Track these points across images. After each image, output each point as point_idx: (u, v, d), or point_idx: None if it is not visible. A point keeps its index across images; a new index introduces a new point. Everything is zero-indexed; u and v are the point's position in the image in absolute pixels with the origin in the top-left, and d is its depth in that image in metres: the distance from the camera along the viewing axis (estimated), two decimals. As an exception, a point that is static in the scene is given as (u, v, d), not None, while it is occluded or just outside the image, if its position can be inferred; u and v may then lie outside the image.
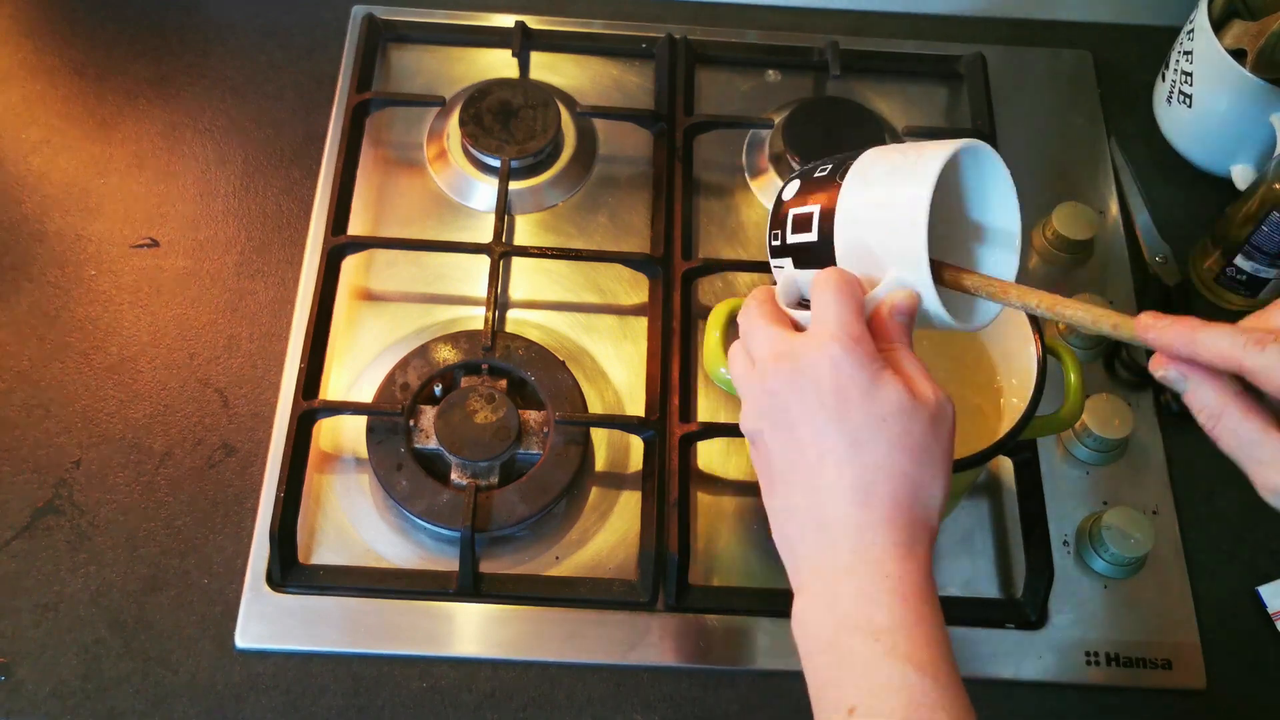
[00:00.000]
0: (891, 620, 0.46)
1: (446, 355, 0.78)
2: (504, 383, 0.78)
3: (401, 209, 0.87)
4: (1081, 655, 0.72)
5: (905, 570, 0.47)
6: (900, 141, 0.90)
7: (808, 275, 0.56)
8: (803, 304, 0.57)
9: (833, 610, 0.48)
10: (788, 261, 0.57)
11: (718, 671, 0.71)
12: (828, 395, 0.49)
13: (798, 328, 0.53)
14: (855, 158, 0.55)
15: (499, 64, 0.95)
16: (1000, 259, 0.57)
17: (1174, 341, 0.47)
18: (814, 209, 0.55)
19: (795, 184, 0.57)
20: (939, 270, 0.54)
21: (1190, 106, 0.89)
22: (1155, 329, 0.47)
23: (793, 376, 0.50)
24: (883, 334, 0.51)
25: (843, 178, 0.55)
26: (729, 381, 0.63)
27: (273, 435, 0.77)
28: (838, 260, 0.54)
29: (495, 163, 0.87)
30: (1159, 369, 0.48)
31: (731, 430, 0.76)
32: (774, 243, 0.57)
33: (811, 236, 0.55)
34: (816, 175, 0.57)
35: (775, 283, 0.57)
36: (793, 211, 0.56)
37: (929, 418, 0.49)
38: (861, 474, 0.48)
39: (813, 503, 0.50)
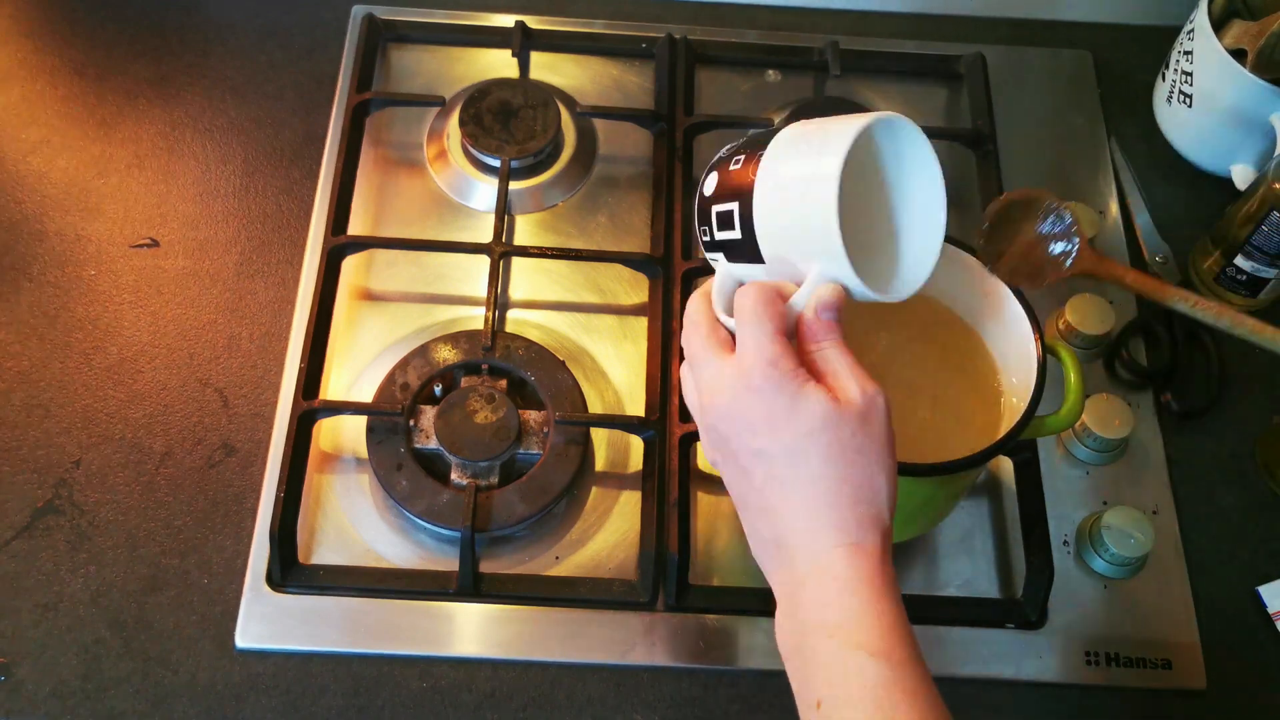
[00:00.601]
0: (842, 616, 0.49)
1: (446, 355, 0.78)
2: (504, 383, 0.78)
3: (401, 209, 0.87)
4: (1081, 655, 0.72)
5: (853, 568, 0.50)
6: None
7: (743, 270, 0.55)
8: None
9: (795, 618, 0.51)
10: (721, 256, 0.56)
11: (718, 671, 0.71)
12: (758, 423, 0.51)
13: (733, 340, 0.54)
14: (767, 143, 0.54)
15: (499, 64, 0.95)
16: (925, 239, 0.56)
17: None
18: (733, 207, 0.54)
19: (714, 178, 0.56)
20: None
21: (1190, 106, 0.89)
22: None
23: (727, 410, 0.52)
24: (810, 335, 0.52)
25: (756, 171, 0.53)
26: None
27: (273, 435, 0.77)
28: (764, 257, 0.54)
29: (495, 163, 0.87)
30: None
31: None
32: (704, 239, 0.56)
33: (735, 234, 0.54)
34: (733, 167, 0.55)
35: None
36: (715, 209, 0.55)
37: (857, 418, 0.50)
38: (802, 490, 0.51)
39: (767, 524, 0.52)
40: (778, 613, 0.53)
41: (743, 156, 0.55)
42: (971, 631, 0.72)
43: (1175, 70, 0.90)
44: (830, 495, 0.50)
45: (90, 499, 0.75)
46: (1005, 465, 0.78)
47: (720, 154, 0.57)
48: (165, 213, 0.86)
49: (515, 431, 0.75)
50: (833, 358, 0.52)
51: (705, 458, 0.56)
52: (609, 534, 0.75)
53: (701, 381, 0.54)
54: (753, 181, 0.53)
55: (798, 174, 0.52)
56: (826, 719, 0.48)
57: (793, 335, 0.53)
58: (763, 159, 0.53)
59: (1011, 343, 0.66)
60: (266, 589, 0.72)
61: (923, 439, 0.64)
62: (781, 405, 0.50)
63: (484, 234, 0.84)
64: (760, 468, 0.52)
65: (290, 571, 0.72)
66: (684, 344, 0.56)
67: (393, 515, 0.75)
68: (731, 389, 0.52)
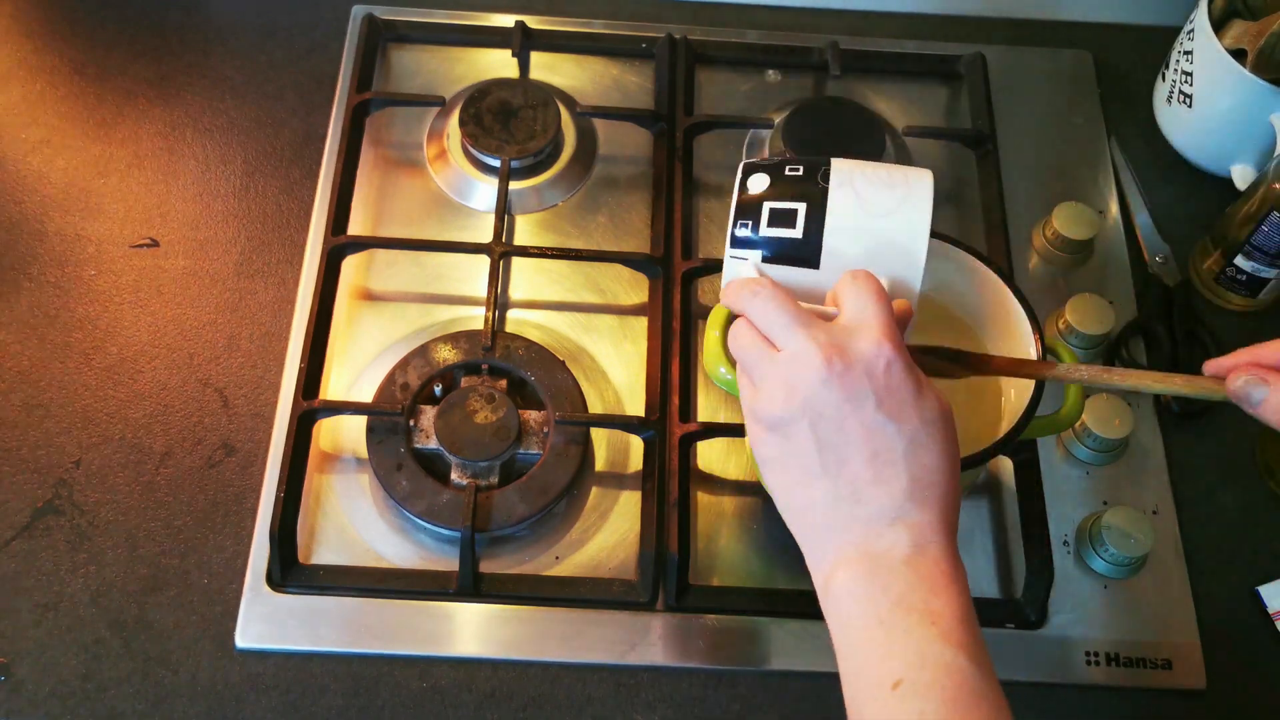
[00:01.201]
0: (947, 609, 0.48)
1: (446, 355, 0.78)
2: (504, 383, 0.78)
3: (401, 209, 0.87)
4: (1081, 655, 0.72)
5: (958, 569, 0.50)
6: (900, 142, 0.90)
7: (781, 272, 0.57)
8: None
9: (888, 591, 0.49)
10: (754, 254, 0.57)
11: (718, 671, 0.71)
12: (883, 395, 0.50)
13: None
14: (827, 164, 0.57)
15: (499, 64, 0.95)
16: (904, 275, 0.58)
17: (1239, 358, 0.54)
18: (798, 206, 0.56)
19: (763, 178, 0.58)
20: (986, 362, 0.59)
21: (1190, 106, 0.89)
22: (1219, 361, 0.55)
23: (846, 371, 0.50)
24: None
25: (825, 181, 0.56)
26: (729, 382, 0.63)
27: (273, 435, 0.77)
28: (821, 262, 0.56)
29: (495, 163, 0.87)
30: (1235, 381, 0.53)
31: (732, 430, 0.76)
32: (740, 233, 0.57)
33: (795, 233, 0.56)
34: (789, 173, 0.57)
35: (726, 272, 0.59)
36: (770, 205, 0.57)
37: (953, 425, 0.52)
38: (919, 475, 0.50)
39: (865, 495, 0.51)
40: (849, 577, 0.50)
41: (801, 167, 0.57)
42: (971, 631, 0.72)
43: (1175, 70, 0.90)
44: (941, 488, 0.51)
45: (90, 499, 0.75)
46: (1005, 465, 0.78)
47: (753, 161, 0.59)
48: (165, 213, 0.86)
49: (515, 431, 0.75)
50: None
51: (770, 413, 0.52)
52: (609, 534, 0.75)
53: (810, 334, 0.52)
54: (826, 188, 0.56)
55: (888, 194, 0.56)
56: (903, 700, 0.47)
57: None
58: (832, 172, 0.57)
59: (1011, 343, 0.66)
60: (266, 589, 0.72)
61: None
62: (909, 390, 0.51)
63: (484, 234, 0.84)
64: (874, 439, 0.50)
65: (290, 571, 0.72)
66: (754, 305, 0.54)
67: (393, 515, 0.75)
68: (861, 353, 0.50)
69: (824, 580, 0.52)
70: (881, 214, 0.55)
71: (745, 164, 0.59)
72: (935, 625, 0.48)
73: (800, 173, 0.57)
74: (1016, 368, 0.61)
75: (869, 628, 0.49)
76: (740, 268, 0.57)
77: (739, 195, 0.58)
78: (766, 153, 0.90)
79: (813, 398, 0.51)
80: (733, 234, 0.57)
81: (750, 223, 0.57)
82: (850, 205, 0.56)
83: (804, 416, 0.51)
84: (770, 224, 0.56)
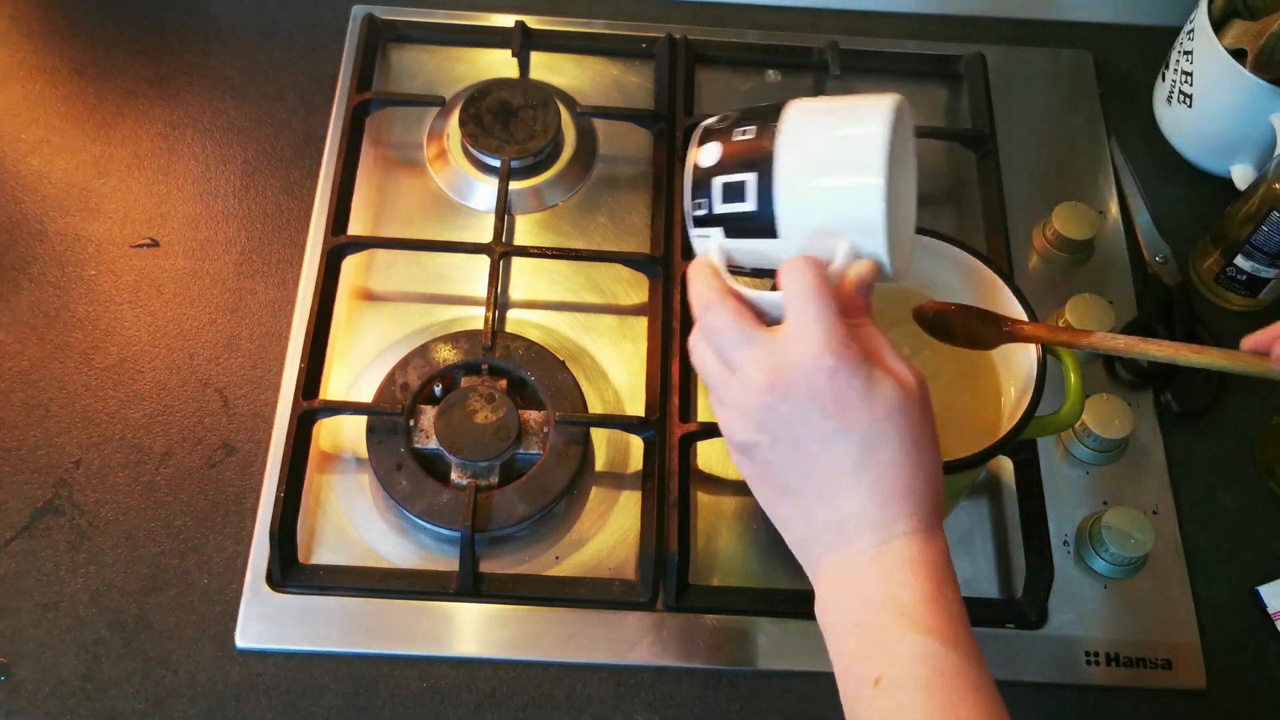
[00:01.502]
0: (915, 598, 0.49)
1: (446, 355, 0.78)
2: (504, 383, 0.78)
3: (401, 209, 0.87)
4: (1081, 655, 0.72)
5: (926, 554, 0.50)
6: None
7: (745, 245, 0.54)
8: (734, 270, 0.55)
9: (859, 594, 0.50)
10: (717, 231, 0.54)
11: (718, 671, 0.71)
12: (830, 406, 0.49)
13: (758, 315, 0.52)
14: (777, 116, 0.53)
15: (499, 64, 0.95)
16: (905, 223, 0.55)
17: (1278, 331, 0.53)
18: (747, 177, 0.53)
19: (715, 148, 0.54)
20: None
21: (1190, 106, 0.89)
22: (1258, 335, 0.54)
23: (789, 391, 0.50)
24: (848, 310, 0.51)
25: (773, 141, 0.52)
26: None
27: (273, 435, 0.77)
28: (779, 230, 0.52)
29: (495, 163, 0.87)
30: None
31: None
32: (698, 213, 0.54)
33: (748, 206, 0.53)
34: (741, 137, 0.53)
35: (696, 250, 0.55)
36: (720, 180, 0.53)
37: (919, 403, 0.51)
38: (877, 474, 0.50)
39: (830, 506, 0.51)
40: (828, 588, 0.51)
41: (752, 127, 0.53)
42: (971, 631, 0.72)
43: (1175, 70, 0.90)
44: (904, 481, 0.50)
45: (90, 499, 0.75)
46: (1005, 465, 0.78)
47: (709, 124, 0.56)
48: (165, 213, 0.86)
49: (515, 431, 0.75)
50: (876, 339, 0.52)
51: (735, 438, 0.52)
52: (609, 534, 0.75)
53: (753, 354, 0.51)
54: (773, 151, 0.52)
55: (836, 145, 0.51)
56: (884, 695, 0.48)
57: None
58: (781, 129, 0.52)
59: (1012, 343, 0.66)
60: (266, 589, 0.72)
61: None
62: (857, 388, 0.49)
63: (484, 234, 0.84)
64: (828, 451, 0.50)
65: (290, 571, 0.72)
66: (706, 321, 0.53)
67: (393, 515, 0.75)
68: (801, 369, 0.49)
69: (816, 592, 0.52)
70: (829, 172, 0.51)
71: (701, 128, 0.55)
72: (904, 617, 0.48)
73: (750, 135, 0.53)
74: (1050, 335, 0.59)
75: (848, 633, 0.50)
76: (705, 245, 0.55)
77: (692, 172, 0.54)
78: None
79: (765, 421, 0.51)
80: (691, 215, 0.55)
81: (705, 200, 0.54)
82: (797, 168, 0.51)
83: (762, 438, 0.51)
84: (724, 199, 0.53)
